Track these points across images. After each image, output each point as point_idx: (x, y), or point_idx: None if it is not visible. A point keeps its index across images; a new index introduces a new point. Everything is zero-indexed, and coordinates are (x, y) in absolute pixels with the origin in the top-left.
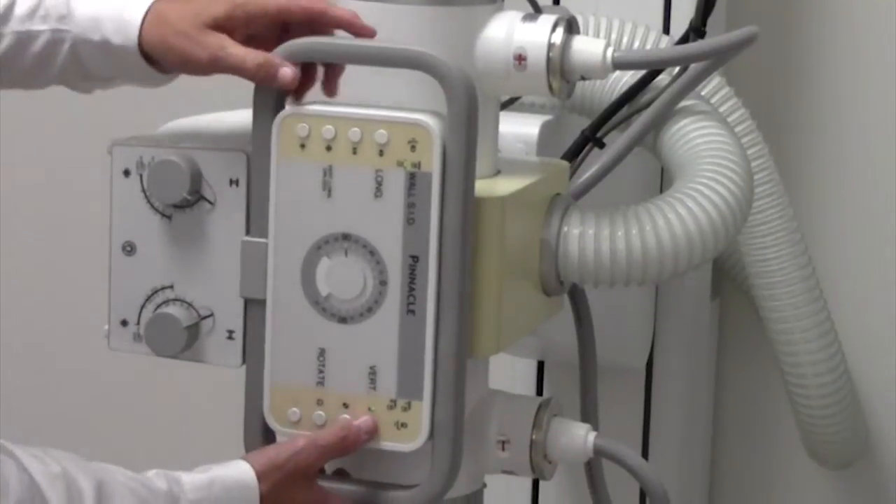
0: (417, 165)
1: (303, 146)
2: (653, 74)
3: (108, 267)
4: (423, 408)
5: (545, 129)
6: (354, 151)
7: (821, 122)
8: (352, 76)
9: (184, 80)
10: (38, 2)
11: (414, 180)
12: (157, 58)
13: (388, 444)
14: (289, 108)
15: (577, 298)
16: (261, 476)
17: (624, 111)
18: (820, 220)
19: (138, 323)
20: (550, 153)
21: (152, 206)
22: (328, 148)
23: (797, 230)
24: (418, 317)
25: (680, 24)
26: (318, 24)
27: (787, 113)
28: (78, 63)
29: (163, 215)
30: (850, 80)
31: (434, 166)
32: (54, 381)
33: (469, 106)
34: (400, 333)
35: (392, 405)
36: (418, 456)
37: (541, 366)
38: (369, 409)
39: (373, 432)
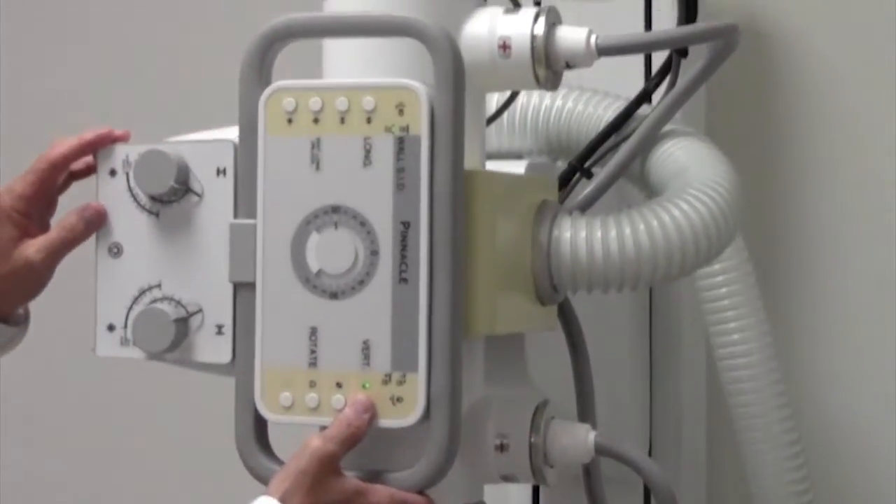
0: (406, 129)
1: (290, 121)
2: (637, 104)
3: (94, 271)
4: (419, 379)
5: (531, 168)
6: (342, 121)
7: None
8: (335, 64)
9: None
10: None
11: (402, 144)
12: None
13: (385, 422)
14: (275, 83)
15: (565, 308)
16: (285, 496)
17: (611, 141)
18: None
19: (125, 326)
20: None
21: (139, 204)
22: (315, 120)
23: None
24: (411, 285)
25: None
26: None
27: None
28: None
29: (150, 213)
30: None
31: (422, 128)
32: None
33: (455, 65)
34: (393, 304)
35: (387, 380)
36: (414, 440)
37: None
38: (363, 386)
39: (370, 409)
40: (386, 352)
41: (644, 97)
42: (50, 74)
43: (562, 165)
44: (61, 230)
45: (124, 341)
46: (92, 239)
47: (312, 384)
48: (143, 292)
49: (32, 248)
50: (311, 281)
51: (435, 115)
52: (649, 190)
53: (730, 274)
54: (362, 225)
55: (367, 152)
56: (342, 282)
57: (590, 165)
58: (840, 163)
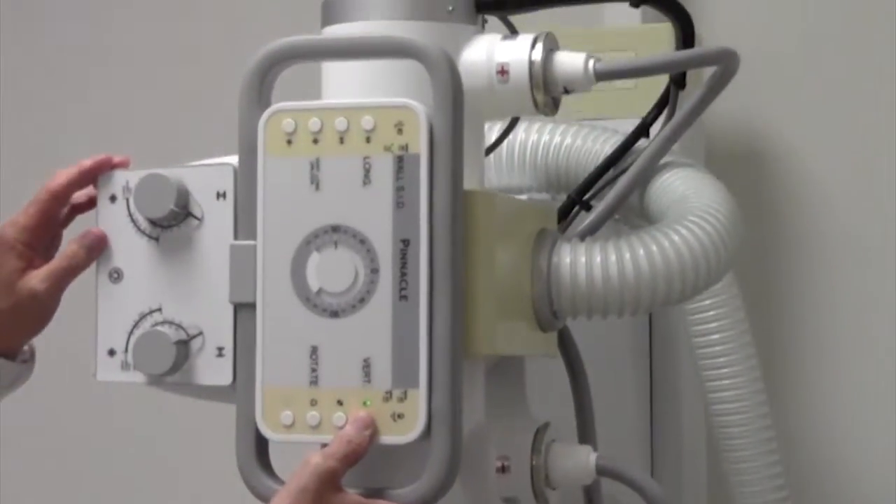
0: (405, 148)
1: (289, 142)
2: (635, 137)
3: (95, 297)
4: (420, 395)
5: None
6: (341, 141)
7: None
8: (334, 86)
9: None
10: None
11: (402, 163)
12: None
13: (386, 439)
14: (274, 105)
15: (564, 335)
16: None
17: (609, 174)
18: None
19: (126, 350)
20: None
21: (139, 229)
22: (315, 141)
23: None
24: (411, 302)
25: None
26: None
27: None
28: None
29: (150, 237)
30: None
31: (422, 146)
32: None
33: (454, 85)
34: (393, 321)
35: (388, 396)
36: (415, 456)
37: None
38: (364, 403)
39: (371, 425)
40: (387, 369)
41: (642, 130)
42: (50, 107)
43: (561, 199)
44: (63, 258)
45: (125, 366)
46: (92, 265)
47: (313, 402)
48: (143, 317)
49: (36, 278)
50: (312, 300)
51: (434, 134)
52: (649, 220)
53: (721, 314)
54: (362, 243)
55: (367, 171)
56: (342, 300)
57: (588, 198)
58: (837, 196)
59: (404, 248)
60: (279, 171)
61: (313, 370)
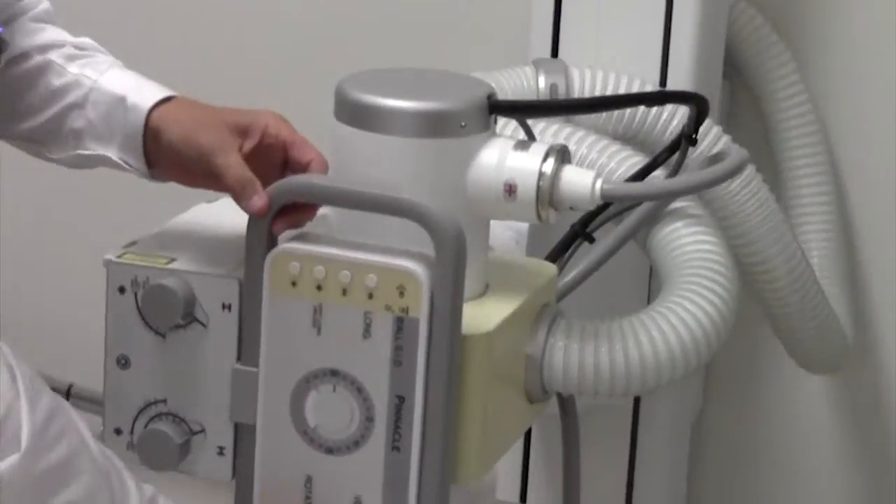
0: (405, 311)
1: (294, 283)
2: (647, 169)
3: (104, 378)
4: None
5: (534, 232)
6: (344, 293)
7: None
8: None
9: None
10: (86, 55)
11: (402, 324)
12: (162, 133)
13: None
14: (280, 245)
15: (567, 405)
16: None
17: (614, 207)
18: None
19: (132, 433)
20: (541, 243)
21: (147, 323)
22: (319, 287)
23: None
24: (403, 453)
25: (677, 75)
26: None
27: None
28: (80, 110)
29: (157, 333)
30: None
31: (422, 312)
32: None
33: (457, 255)
34: (385, 469)
35: None
36: None
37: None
38: None
39: None
40: None
41: (652, 167)
42: None
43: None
44: (247, 180)
45: (130, 446)
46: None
47: None
48: (148, 405)
49: (235, 157)
50: (309, 434)
51: (434, 300)
52: (649, 260)
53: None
54: (359, 391)
55: (368, 326)
56: (338, 439)
57: (591, 230)
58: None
59: (399, 404)
60: (283, 309)
61: (307, 498)
